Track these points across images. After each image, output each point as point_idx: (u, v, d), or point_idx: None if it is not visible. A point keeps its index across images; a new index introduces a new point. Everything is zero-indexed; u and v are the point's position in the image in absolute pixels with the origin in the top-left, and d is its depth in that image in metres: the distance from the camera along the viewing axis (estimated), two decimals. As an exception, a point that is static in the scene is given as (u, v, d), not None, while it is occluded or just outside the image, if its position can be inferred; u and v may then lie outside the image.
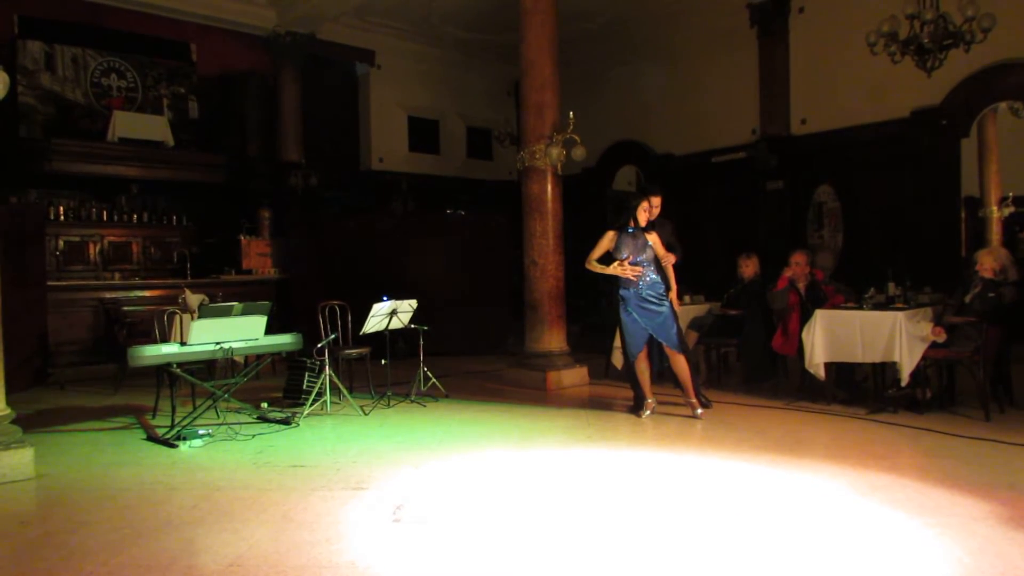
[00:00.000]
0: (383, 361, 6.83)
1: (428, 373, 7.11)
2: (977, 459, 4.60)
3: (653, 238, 5.89)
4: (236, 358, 6.43)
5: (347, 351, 6.87)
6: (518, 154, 7.77)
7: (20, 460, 4.46)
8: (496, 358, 9.09)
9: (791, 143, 10.48)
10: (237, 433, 5.50)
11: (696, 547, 3.25)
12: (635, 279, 5.79)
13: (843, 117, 9.84)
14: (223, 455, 5.01)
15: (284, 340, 5.95)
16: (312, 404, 6.29)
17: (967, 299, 5.94)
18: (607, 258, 5.91)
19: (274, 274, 10.50)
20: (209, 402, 5.84)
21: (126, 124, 9.96)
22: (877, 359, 5.93)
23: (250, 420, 6.03)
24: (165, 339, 6.28)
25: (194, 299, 7.27)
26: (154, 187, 10.50)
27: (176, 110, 10.78)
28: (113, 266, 10.05)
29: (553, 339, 7.58)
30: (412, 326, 6.89)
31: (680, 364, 5.89)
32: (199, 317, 5.32)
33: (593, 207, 12.15)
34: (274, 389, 7.04)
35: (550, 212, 7.52)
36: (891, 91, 9.18)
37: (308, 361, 6.61)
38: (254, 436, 5.49)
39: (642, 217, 5.86)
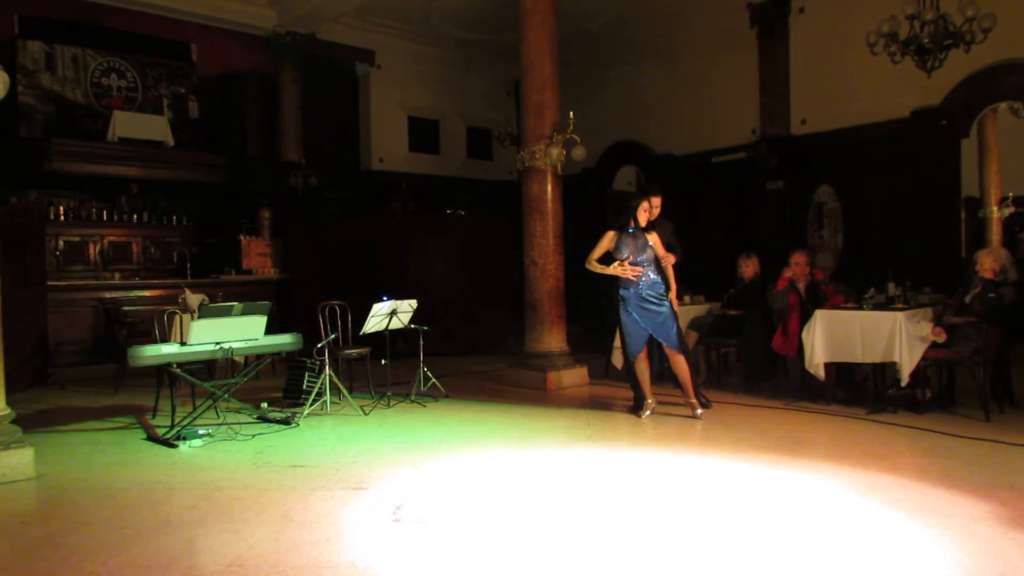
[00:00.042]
0: (383, 361, 6.83)
1: (428, 373, 7.11)
2: (977, 459, 4.60)
3: (653, 238, 5.89)
4: (236, 358, 6.43)
5: (347, 351, 6.87)
6: (518, 154, 7.77)
7: (20, 460, 4.46)
8: (496, 358, 9.09)
9: (791, 143, 10.47)
10: (237, 433, 5.51)
11: (696, 547, 3.25)
12: (635, 279, 5.79)
13: (843, 117, 9.83)
14: (223, 455, 5.01)
15: (284, 340, 5.95)
16: (312, 404, 6.29)
17: (967, 299, 5.94)
18: (607, 258, 5.91)
19: (274, 274, 10.49)
20: (209, 402, 5.84)
21: (126, 124, 9.97)
22: (877, 359, 5.93)
23: (250, 420, 6.03)
24: (165, 339, 6.28)
25: (194, 299, 7.27)
26: (154, 187, 10.50)
27: (176, 110, 10.78)
28: (113, 266, 10.05)
29: (553, 339, 7.58)
30: (412, 326, 6.89)
31: (680, 364, 5.89)
32: (199, 317, 5.32)
33: (593, 207, 12.12)
34: (274, 389, 7.04)
35: (550, 212, 7.52)
36: (891, 91, 9.17)
37: (308, 361, 6.61)
38: (254, 436, 5.50)
39: (642, 217, 5.87)
